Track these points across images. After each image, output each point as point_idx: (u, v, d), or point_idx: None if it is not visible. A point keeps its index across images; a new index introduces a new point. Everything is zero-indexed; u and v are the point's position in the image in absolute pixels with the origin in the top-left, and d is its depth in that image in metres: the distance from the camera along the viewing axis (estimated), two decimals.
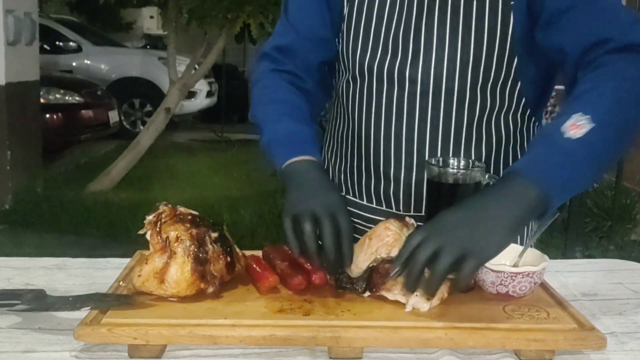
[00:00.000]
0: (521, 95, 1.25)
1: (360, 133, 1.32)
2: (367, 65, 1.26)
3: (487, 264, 1.04)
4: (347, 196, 1.38)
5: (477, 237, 0.90)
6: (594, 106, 0.96)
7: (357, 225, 1.36)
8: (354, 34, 1.27)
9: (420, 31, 1.21)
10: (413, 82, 1.23)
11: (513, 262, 1.09)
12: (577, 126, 0.93)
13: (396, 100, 1.25)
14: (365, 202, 1.36)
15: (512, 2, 1.16)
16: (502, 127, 1.28)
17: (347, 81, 1.32)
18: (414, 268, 0.91)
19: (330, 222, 1.01)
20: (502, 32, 1.17)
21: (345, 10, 1.28)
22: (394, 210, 1.32)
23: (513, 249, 1.12)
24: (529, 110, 1.29)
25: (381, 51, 1.25)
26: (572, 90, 1.03)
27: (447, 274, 0.90)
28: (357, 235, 1.36)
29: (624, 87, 1.00)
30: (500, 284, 1.04)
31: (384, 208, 1.34)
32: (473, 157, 1.28)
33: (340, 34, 1.30)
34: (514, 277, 1.03)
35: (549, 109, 1.28)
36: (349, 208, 1.31)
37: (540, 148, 0.96)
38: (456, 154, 1.26)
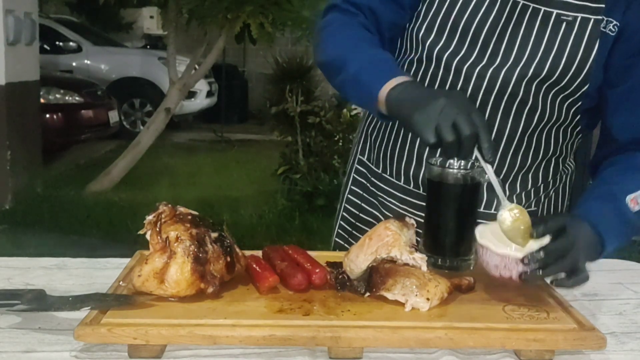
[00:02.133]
0: (578, 113, 1.28)
1: None
2: (437, 53, 1.26)
3: (492, 247, 1.03)
4: (384, 174, 1.39)
5: (578, 264, 1.05)
6: None
7: (390, 205, 1.39)
8: (431, 19, 1.26)
9: (505, 36, 1.22)
10: (480, 78, 1.24)
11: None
12: (636, 202, 1.13)
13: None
14: (401, 183, 1.36)
15: (598, 39, 1.18)
16: (552, 138, 1.31)
17: (411, 61, 1.31)
18: (545, 259, 1.01)
19: (468, 120, 1.01)
20: (581, 59, 1.19)
21: None
22: (421, 191, 1.33)
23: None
24: (579, 127, 1.32)
25: (456, 44, 1.25)
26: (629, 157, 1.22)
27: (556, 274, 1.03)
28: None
29: None
30: (505, 268, 1.02)
31: (420, 191, 1.34)
32: (519, 164, 1.30)
33: (415, 15, 1.28)
34: (518, 262, 1.01)
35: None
36: (383, 186, 1.38)
37: (608, 209, 1.12)
38: (504, 157, 1.28)
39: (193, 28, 6.17)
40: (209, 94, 10.21)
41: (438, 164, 1.20)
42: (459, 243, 1.18)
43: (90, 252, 4.06)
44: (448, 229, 1.19)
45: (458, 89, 1.25)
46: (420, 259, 1.06)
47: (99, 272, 1.26)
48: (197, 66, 6.58)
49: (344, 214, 1.50)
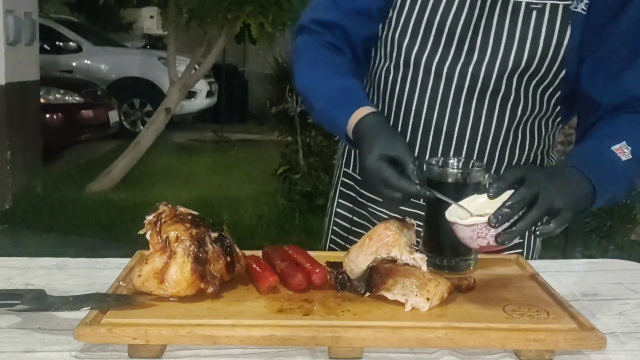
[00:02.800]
0: (558, 102, 1.29)
1: (397, 122, 1.32)
2: (415, 56, 1.26)
3: (458, 221, 1.01)
4: None
5: (554, 206, 0.99)
6: (636, 143, 1.14)
7: (381, 215, 1.38)
8: (404, 23, 1.26)
9: (479, 31, 1.23)
10: (462, 77, 1.24)
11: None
12: (622, 152, 1.11)
13: (441, 94, 1.26)
14: None
15: (570, 21, 1.19)
16: (535, 131, 1.32)
17: (388, 69, 1.32)
18: (510, 213, 0.96)
19: (391, 179, 1.07)
20: (556, 45, 1.20)
21: None
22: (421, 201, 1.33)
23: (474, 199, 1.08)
24: (560, 117, 1.33)
25: (432, 44, 1.25)
26: (609, 117, 1.22)
27: (533, 225, 0.98)
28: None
29: None
30: (479, 237, 1.00)
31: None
32: (507, 159, 1.30)
33: (387, 21, 1.29)
34: (488, 228, 0.98)
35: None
36: (371, 197, 1.39)
37: (593, 155, 1.11)
38: (492, 153, 1.28)
39: (193, 28, 6.17)
40: (209, 94, 10.21)
41: (440, 163, 1.20)
42: (459, 243, 1.18)
43: (90, 252, 4.06)
44: (448, 229, 1.19)
45: (440, 91, 1.26)
46: (420, 259, 1.06)
47: (99, 272, 1.26)
48: (197, 66, 6.58)
49: (334, 227, 1.49)
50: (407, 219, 1.13)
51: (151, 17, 13.91)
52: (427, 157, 1.29)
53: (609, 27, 1.20)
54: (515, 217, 0.97)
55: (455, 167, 1.20)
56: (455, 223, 1.03)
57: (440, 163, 1.20)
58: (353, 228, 1.45)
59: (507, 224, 0.97)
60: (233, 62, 11.47)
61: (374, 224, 1.39)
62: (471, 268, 1.19)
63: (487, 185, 1.27)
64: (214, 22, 5.83)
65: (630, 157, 1.11)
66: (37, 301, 1.01)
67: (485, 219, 0.98)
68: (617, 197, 1.13)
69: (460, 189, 1.18)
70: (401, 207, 1.35)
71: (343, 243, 1.47)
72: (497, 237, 0.98)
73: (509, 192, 1.00)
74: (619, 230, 4.40)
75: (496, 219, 0.95)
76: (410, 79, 1.28)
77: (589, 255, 3.89)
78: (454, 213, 1.05)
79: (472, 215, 1.04)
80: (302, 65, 1.30)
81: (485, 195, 1.03)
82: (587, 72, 1.23)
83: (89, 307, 0.98)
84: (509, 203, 0.96)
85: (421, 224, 1.21)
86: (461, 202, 1.07)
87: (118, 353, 0.93)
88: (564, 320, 0.99)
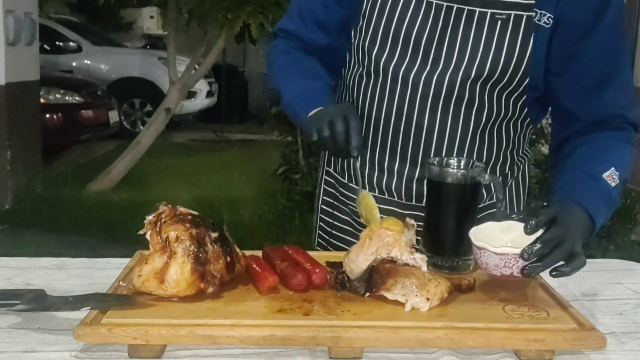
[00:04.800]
0: (525, 105, 1.30)
1: (369, 127, 1.35)
2: (383, 64, 1.29)
3: (490, 248, 1.04)
4: (350, 183, 1.43)
5: (575, 250, 1.06)
6: (622, 166, 1.21)
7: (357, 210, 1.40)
8: (373, 32, 1.29)
9: (444, 40, 1.24)
10: (427, 85, 1.27)
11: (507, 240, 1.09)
12: (612, 178, 1.18)
13: (408, 101, 1.29)
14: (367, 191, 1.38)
15: (533, 33, 1.20)
16: (503, 133, 1.33)
17: (360, 75, 1.35)
18: (542, 249, 1.02)
19: (342, 121, 1.17)
20: (519, 55, 1.22)
21: (365, 7, 1.30)
22: (396, 199, 1.36)
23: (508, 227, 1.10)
24: (529, 118, 1.34)
25: (399, 53, 1.28)
26: (588, 133, 1.27)
27: (556, 263, 1.04)
28: (358, 227, 1.39)
29: (633, 153, 1.26)
30: (505, 266, 1.03)
31: (385, 196, 1.36)
32: (475, 160, 1.30)
33: (358, 29, 1.32)
34: (517, 259, 1.02)
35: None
36: (350, 195, 1.43)
37: (594, 190, 1.17)
38: (460, 156, 1.29)
39: (193, 28, 6.16)
40: (209, 94, 10.20)
41: (440, 163, 1.20)
42: (459, 243, 1.18)
43: (90, 252, 4.07)
44: (448, 229, 1.20)
45: (407, 98, 1.29)
46: (420, 259, 1.06)
47: (99, 272, 1.26)
48: (197, 66, 6.57)
49: (321, 223, 1.53)
50: (407, 219, 1.13)
51: (151, 17, 13.90)
52: (397, 161, 1.33)
53: (582, 44, 1.22)
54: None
55: (455, 167, 1.20)
56: (484, 248, 1.05)
57: (440, 163, 1.20)
58: (335, 223, 1.48)
59: (534, 258, 1.01)
60: (233, 62, 11.46)
61: (356, 221, 1.41)
62: (471, 268, 1.19)
63: (493, 189, 1.29)
64: (214, 22, 5.81)
65: (618, 181, 1.18)
66: (37, 301, 1.01)
67: (517, 250, 1.02)
68: (606, 221, 1.20)
69: (460, 189, 1.18)
70: (400, 209, 1.36)
71: (328, 238, 1.50)
72: (523, 269, 1.02)
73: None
74: (619, 230, 4.39)
75: (529, 253, 1.00)
76: (380, 86, 1.31)
77: (589, 255, 3.86)
78: (479, 237, 1.07)
79: (500, 243, 1.07)
80: (272, 63, 1.42)
81: (492, 225, 1.10)
82: (564, 88, 1.26)
83: (89, 307, 0.98)
84: (543, 239, 1.02)
85: (421, 224, 1.21)
86: (481, 227, 1.11)
87: (118, 353, 0.93)
88: (564, 320, 0.99)
